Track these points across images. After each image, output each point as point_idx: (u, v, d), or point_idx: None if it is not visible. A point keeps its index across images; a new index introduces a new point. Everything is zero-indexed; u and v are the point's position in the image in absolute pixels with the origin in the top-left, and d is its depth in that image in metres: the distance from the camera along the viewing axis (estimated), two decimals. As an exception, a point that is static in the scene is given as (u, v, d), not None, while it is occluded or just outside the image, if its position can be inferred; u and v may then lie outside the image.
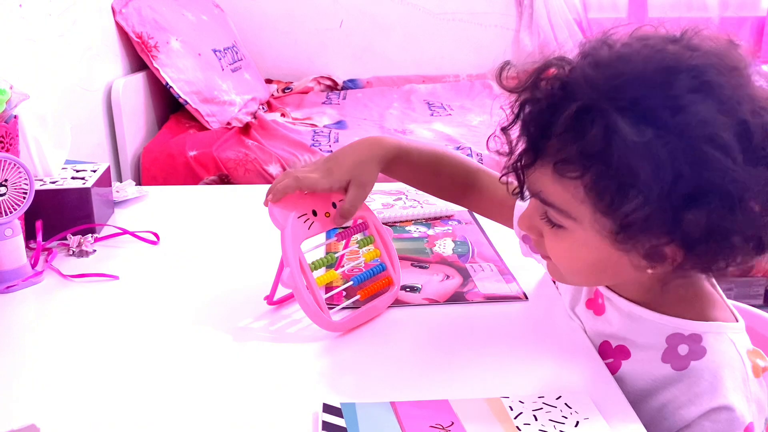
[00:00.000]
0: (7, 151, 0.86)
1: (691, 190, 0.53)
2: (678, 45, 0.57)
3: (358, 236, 0.82)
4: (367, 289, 0.77)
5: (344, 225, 0.79)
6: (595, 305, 0.72)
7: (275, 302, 0.79)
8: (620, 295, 0.68)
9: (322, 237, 0.78)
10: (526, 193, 0.65)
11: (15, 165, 0.83)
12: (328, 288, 0.80)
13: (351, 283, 0.77)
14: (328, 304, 0.74)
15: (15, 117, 0.88)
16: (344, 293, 0.79)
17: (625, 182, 0.54)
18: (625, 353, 0.68)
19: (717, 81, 0.55)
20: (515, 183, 0.66)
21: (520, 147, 0.63)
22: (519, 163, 0.63)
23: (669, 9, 2.89)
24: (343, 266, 0.84)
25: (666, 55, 0.56)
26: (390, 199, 1.15)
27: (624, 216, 0.55)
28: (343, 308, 0.76)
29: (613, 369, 0.68)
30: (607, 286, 0.70)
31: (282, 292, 0.78)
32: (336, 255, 0.81)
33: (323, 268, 0.78)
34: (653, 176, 0.53)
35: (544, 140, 0.59)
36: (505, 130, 0.64)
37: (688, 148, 0.53)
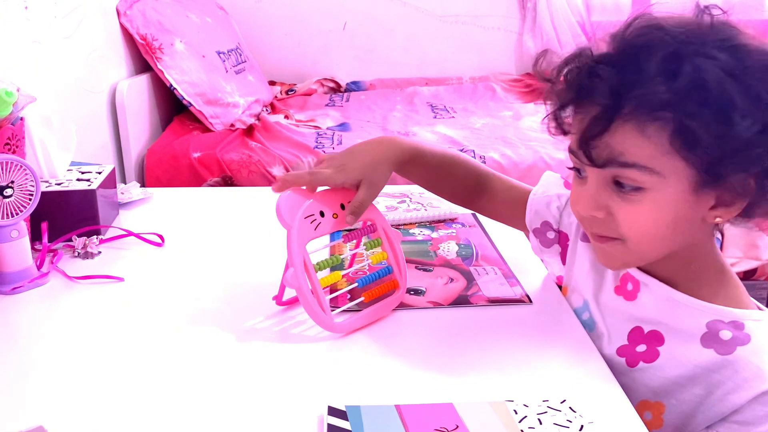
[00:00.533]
0: (14, 152, 0.86)
1: None
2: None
3: (365, 238, 0.82)
4: (372, 292, 0.77)
5: (352, 227, 0.79)
6: (625, 291, 0.72)
7: (284, 303, 0.79)
8: (655, 278, 0.69)
9: (326, 238, 0.78)
10: (591, 168, 0.64)
11: (21, 167, 0.83)
12: (333, 289, 0.80)
13: (356, 284, 0.78)
14: (332, 305, 0.74)
15: (21, 119, 0.88)
16: (348, 295, 0.79)
17: (722, 111, 0.56)
18: (659, 339, 0.68)
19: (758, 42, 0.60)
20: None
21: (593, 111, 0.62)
22: (587, 135, 0.62)
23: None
24: (351, 267, 0.84)
25: (703, 18, 0.61)
26: (394, 201, 1.15)
27: (718, 146, 0.57)
28: (346, 310, 0.76)
29: (650, 357, 0.68)
30: (639, 269, 0.70)
31: (291, 292, 0.78)
32: (342, 257, 0.81)
33: (327, 269, 0.78)
34: (749, 100, 0.56)
35: (624, 95, 0.59)
36: (562, 107, 0.66)
37: None
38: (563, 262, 0.82)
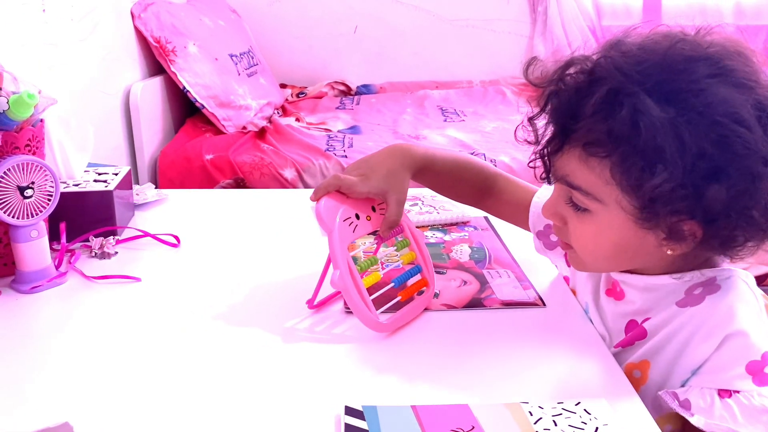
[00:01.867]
0: (34, 154, 0.87)
1: (713, 164, 0.57)
2: (694, 38, 0.62)
3: (396, 239, 0.84)
4: (407, 291, 0.79)
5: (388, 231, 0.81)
6: (615, 293, 0.75)
7: (316, 306, 0.80)
8: (635, 274, 0.71)
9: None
10: (552, 180, 0.69)
11: (41, 168, 0.85)
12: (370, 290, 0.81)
13: (393, 284, 0.79)
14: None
15: (41, 121, 0.89)
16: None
17: (651, 158, 0.58)
18: (646, 319, 0.71)
19: (732, 66, 0.59)
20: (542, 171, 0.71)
21: (546, 136, 0.67)
22: (546, 150, 0.67)
23: (683, 17, 2.89)
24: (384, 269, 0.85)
25: (684, 46, 0.61)
26: (406, 204, 1.16)
27: (651, 190, 0.59)
28: (386, 311, 0.77)
29: (641, 335, 0.70)
30: (622, 272, 0.73)
31: (320, 295, 0.79)
32: (378, 258, 0.82)
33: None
34: (677, 152, 0.57)
35: (573, 123, 0.63)
36: (531, 120, 0.68)
37: (709, 125, 0.57)
38: (568, 264, 0.84)
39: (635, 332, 0.71)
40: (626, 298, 0.74)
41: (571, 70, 0.65)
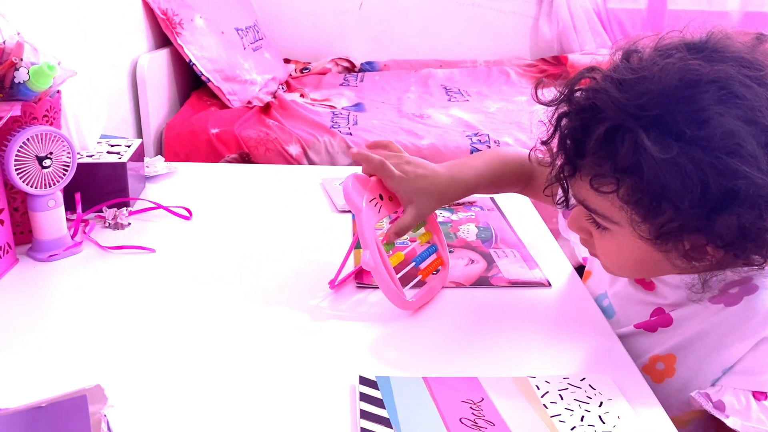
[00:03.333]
0: (51, 124, 0.88)
1: (719, 198, 0.56)
2: (702, 56, 0.59)
3: None
4: (426, 269, 0.81)
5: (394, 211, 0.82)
6: (644, 283, 0.75)
7: (337, 285, 0.82)
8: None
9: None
10: (572, 201, 0.69)
11: (59, 138, 0.86)
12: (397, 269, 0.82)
13: (414, 264, 0.81)
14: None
15: (58, 92, 0.90)
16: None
17: (656, 195, 0.58)
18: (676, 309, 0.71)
19: (740, 92, 0.57)
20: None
21: (561, 158, 0.66)
22: (561, 174, 0.67)
23: (689, 1, 2.89)
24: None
25: (689, 70, 0.58)
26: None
27: (659, 226, 0.59)
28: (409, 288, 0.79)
29: (666, 322, 0.71)
30: None
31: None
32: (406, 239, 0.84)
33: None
34: (682, 189, 0.56)
35: (578, 159, 0.63)
36: (545, 143, 0.68)
37: (713, 161, 0.56)
38: None
39: (660, 318, 0.71)
40: (657, 290, 0.74)
41: (578, 94, 0.64)
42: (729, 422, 0.62)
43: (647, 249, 0.63)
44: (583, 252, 0.89)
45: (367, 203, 0.76)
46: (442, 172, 0.81)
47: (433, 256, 0.83)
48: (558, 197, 0.70)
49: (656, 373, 0.70)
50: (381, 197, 0.78)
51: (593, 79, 0.63)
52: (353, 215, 1.03)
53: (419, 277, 0.80)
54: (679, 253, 0.62)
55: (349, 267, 0.86)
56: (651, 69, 0.59)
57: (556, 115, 0.66)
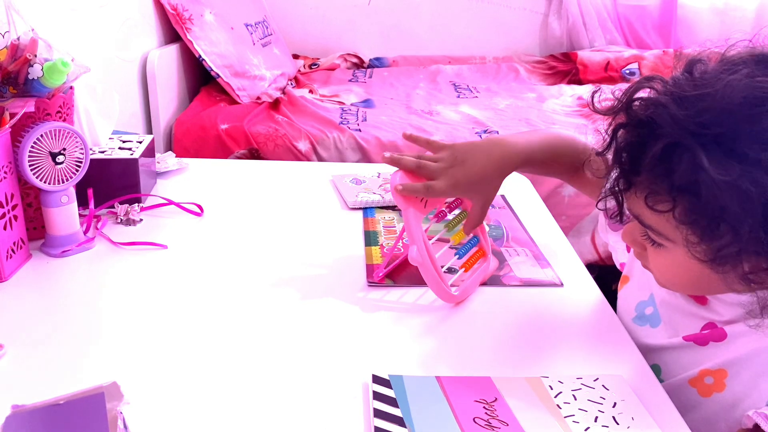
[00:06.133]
0: (64, 120, 0.89)
1: None
2: None
3: (456, 211, 0.87)
4: (469, 262, 0.82)
5: (454, 209, 0.84)
6: (697, 297, 0.71)
7: (380, 279, 0.83)
8: None
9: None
10: (625, 214, 0.66)
11: (72, 134, 0.86)
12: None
13: (457, 256, 0.81)
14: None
15: (71, 88, 0.90)
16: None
17: (714, 217, 0.55)
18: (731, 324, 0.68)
19: None
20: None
21: (616, 171, 0.64)
22: (616, 187, 0.64)
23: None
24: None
25: (756, 87, 0.55)
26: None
27: (717, 249, 0.57)
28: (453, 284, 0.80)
29: (718, 337, 0.68)
30: None
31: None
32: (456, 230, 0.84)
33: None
34: (742, 212, 0.54)
35: (634, 176, 0.61)
36: (601, 154, 0.66)
37: None
38: (628, 249, 0.82)
39: (713, 332, 0.68)
40: (710, 306, 0.70)
41: (636, 104, 0.61)
42: None
43: (703, 269, 0.60)
44: (621, 257, 0.86)
45: (414, 199, 0.76)
46: (489, 141, 0.81)
47: (475, 248, 0.84)
48: (611, 211, 0.68)
49: (704, 387, 0.67)
50: None
51: (653, 89, 0.61)
52: (364, 212, 1.03)
53: (461, 270, 0.80)
54: (737, 276, 0.59)
55: (360, 263, 0.86)
56: (714, 85, 0.56)
57: (612, 126, 0.63)
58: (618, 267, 0.87)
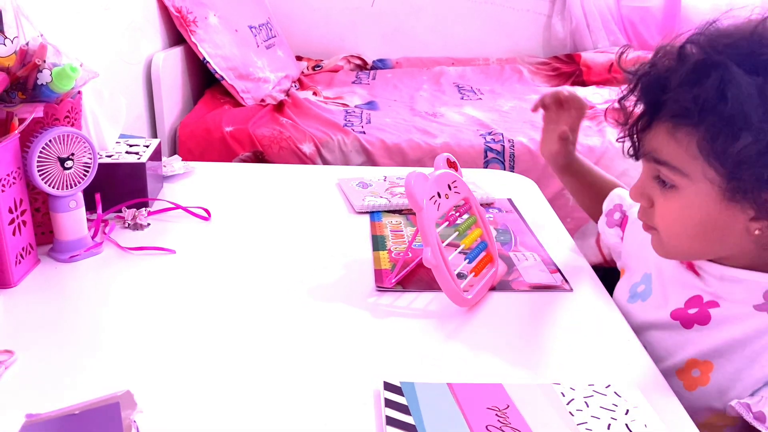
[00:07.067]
0: (72, 125, 0.89)
1: None
2: None
3: (466, 216, 0.87)
4: (478, 266, 0.82)
5: (457, 204, 0.85)
6: (690, 265, 0.75)
7: (393, 283, 0.83)
8: (715, 263, 0.72)
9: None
10: (640, 156, 0.71)
11: (80, 139, 0.86)
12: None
13: (467, 261, 0.81)
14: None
15: (79, 93, 0.90)
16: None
17: (737, 125, 0.59)
18: (714, 306, 0.71)
19: None
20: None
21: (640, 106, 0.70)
22: (635, 128, 0.70)
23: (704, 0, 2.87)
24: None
25: None
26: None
27: (736, 154, 0.60)
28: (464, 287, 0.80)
29: (702, 319, 0.71)
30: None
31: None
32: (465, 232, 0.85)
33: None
34: (764, 117, 0.58)
35: (661, 95, 0.65)
36: (623, 99, 0.71)
37: None
38: (622, 241, 0.87)
39: (698, 314, 0.72)
40: (702, 277, 0.73)
41: (659, 55, 0.67)
42: None
43: (714, 206, 0.64)
44: (616, 251, 0.91)
45: (427, 201, 0.76)
46: None
47: (483, 253, 0.84)
48: (628, 150, 0.73)
49: (690, 380, 0.70)
50: (439, 195, 0.79)
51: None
52: (371, 216, 1.03)
53: (472, 275, 0.81)
54: (749, 206, 0.63)
55: (368, 268, 0.86)
56: (740, 23, 0.63)
57: (638, 75, 0.69)
58: (620, 269, 0.91)
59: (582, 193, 1.00)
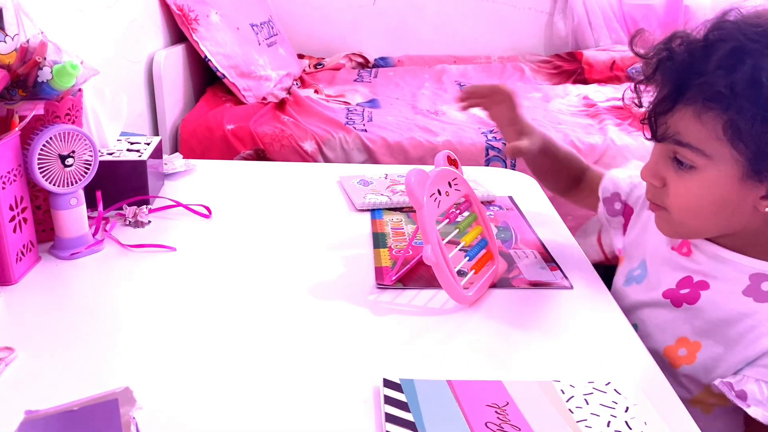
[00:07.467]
0: (73, 123, 0.89)
1: None
2: None
3: (466, 213, 0.88)
4: (478, 263, 0.82)
5: (457, 201, 0.85)
6: (680, 249, 0.78)
7: (394, 281, 0.83)
8: (712, 242, 0.74)
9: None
10: (658, 139, 0.72)
11: (81, 137, 0.86)
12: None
13: (467, 258, 0.81)
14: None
15: (80, 90, 0.91)
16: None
17: (764, 112, 0.61)
18: (704, 286, 0.74)
19: None
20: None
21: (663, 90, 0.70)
22: (655, 111, 0.70)
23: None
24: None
25: None
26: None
27: (761, 140, 0.62)
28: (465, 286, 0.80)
29: (691, 299, 0.74)
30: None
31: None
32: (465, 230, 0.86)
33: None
34: None
35: (694, 79, 0.66)
36: (640, 82, 0.73)
37: None
38: (623, 233, 0.88)
39: (689, 294, 0.74)
40: (692, 257, 0.76)
41: (677, 41, 0.68)
42: (750, 411, 0.64)
43: (730, 187, 0.66)
44: (616, 241, 0.92)
45: (427, 198, 0.76)
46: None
47: (484, 251, 0.84)
48: (648, 135, 0.74)
49: (676, 359, 0.73)
50: (439, 192, 0.80)
51: (687, 37, 0.68)
52: (372, 213, 1.03)
53: (472, 272, 0.81)
54: (758, 196, 0.66)
55: (368, 265, 0.86)
56: (762, 11, 0.65)
57: (656, 58, 0.70)
58: (617, 253, 0.92)
59: (556, 173, 1.00)
